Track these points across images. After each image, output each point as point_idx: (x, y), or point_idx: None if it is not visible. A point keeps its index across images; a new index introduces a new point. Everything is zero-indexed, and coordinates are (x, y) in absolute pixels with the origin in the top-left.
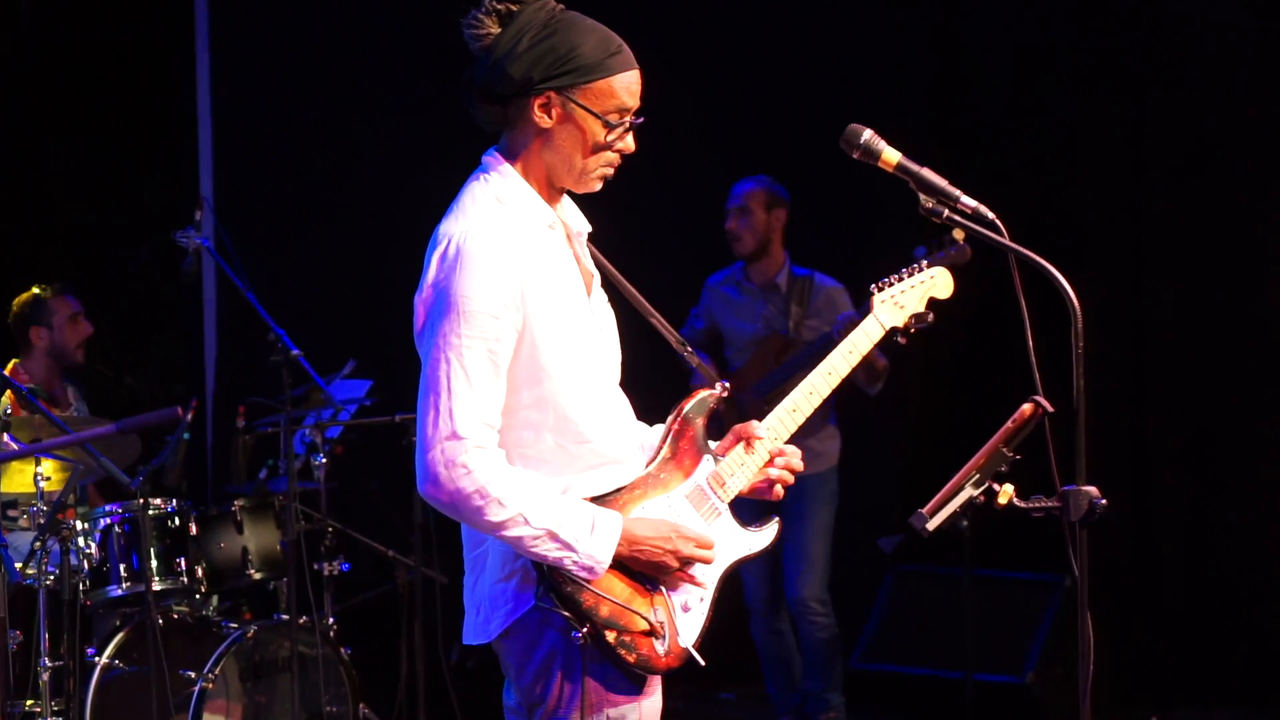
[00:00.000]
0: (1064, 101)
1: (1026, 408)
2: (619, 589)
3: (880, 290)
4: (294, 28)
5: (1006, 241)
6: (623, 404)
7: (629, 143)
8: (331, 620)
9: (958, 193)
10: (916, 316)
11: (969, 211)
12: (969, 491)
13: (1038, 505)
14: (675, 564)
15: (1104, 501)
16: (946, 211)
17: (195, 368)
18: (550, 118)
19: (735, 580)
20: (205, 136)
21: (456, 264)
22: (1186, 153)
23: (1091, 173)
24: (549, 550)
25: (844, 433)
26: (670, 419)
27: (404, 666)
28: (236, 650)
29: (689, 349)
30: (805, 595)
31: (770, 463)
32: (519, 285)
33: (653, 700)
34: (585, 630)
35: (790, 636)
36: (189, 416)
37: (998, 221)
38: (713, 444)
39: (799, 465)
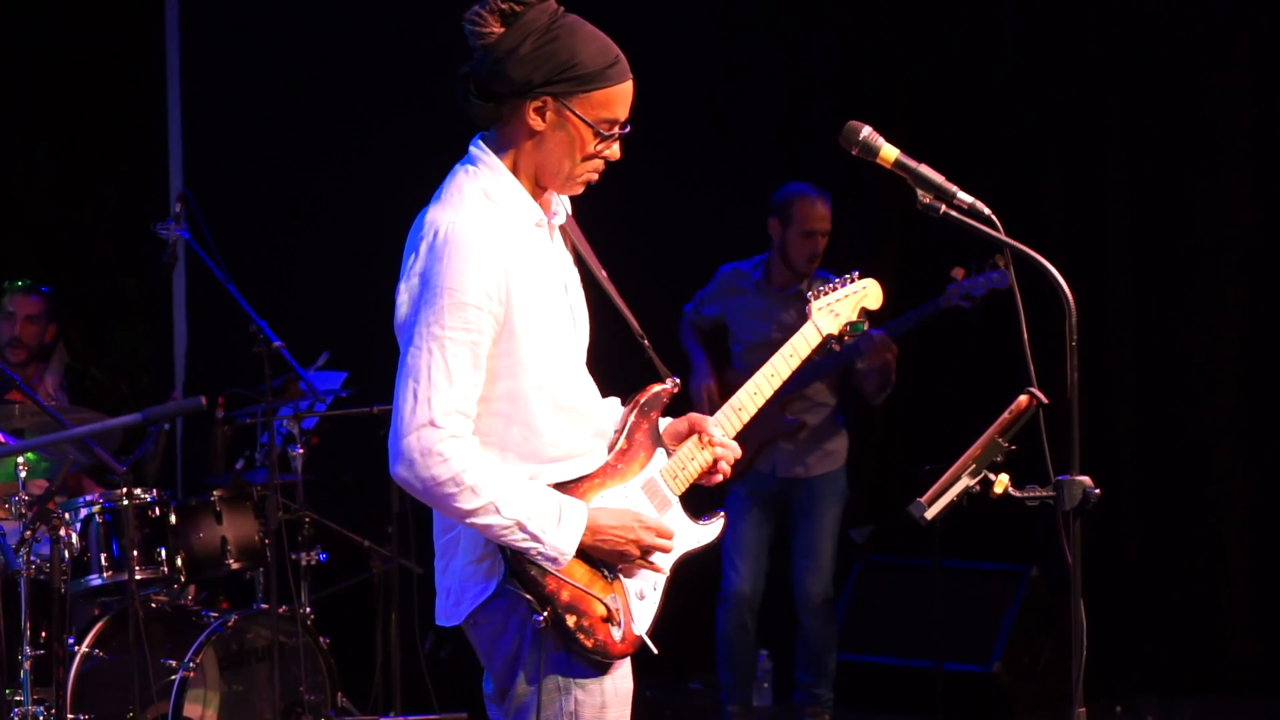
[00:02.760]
0: (1029, 96)
1: (1022, 399)
2: (580, 574)
3: (816, 298)
4: (264, 20)
5: (1003, 237)
6: (592, 394)
7: (615, 151)
8: (309, 610)
9: (954, 189)
10: (850, 324)
11: (965, 207)
12: (965, 481)
13: (1032, 495)
14: (636, 552)
15: (1098, 491)
16: (943, 207)
17: (163, 359)
18: (543, 121)
19: (709, 570)
20: (175, 129)
21: (444, 254)
22: (1150, 148)
23: (1056, 168)
24: (517, 539)
25: None
26: (626, 411)
27: (380, 655)
28: (216, 639)
29: (646, 340)
30: (813, 591)
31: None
32: (504, 279)
33: (616, 680)
34: (546, 614)
35: (754, 630)
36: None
37: (994, 217)
38: (664, 422)
39: (731, 457)
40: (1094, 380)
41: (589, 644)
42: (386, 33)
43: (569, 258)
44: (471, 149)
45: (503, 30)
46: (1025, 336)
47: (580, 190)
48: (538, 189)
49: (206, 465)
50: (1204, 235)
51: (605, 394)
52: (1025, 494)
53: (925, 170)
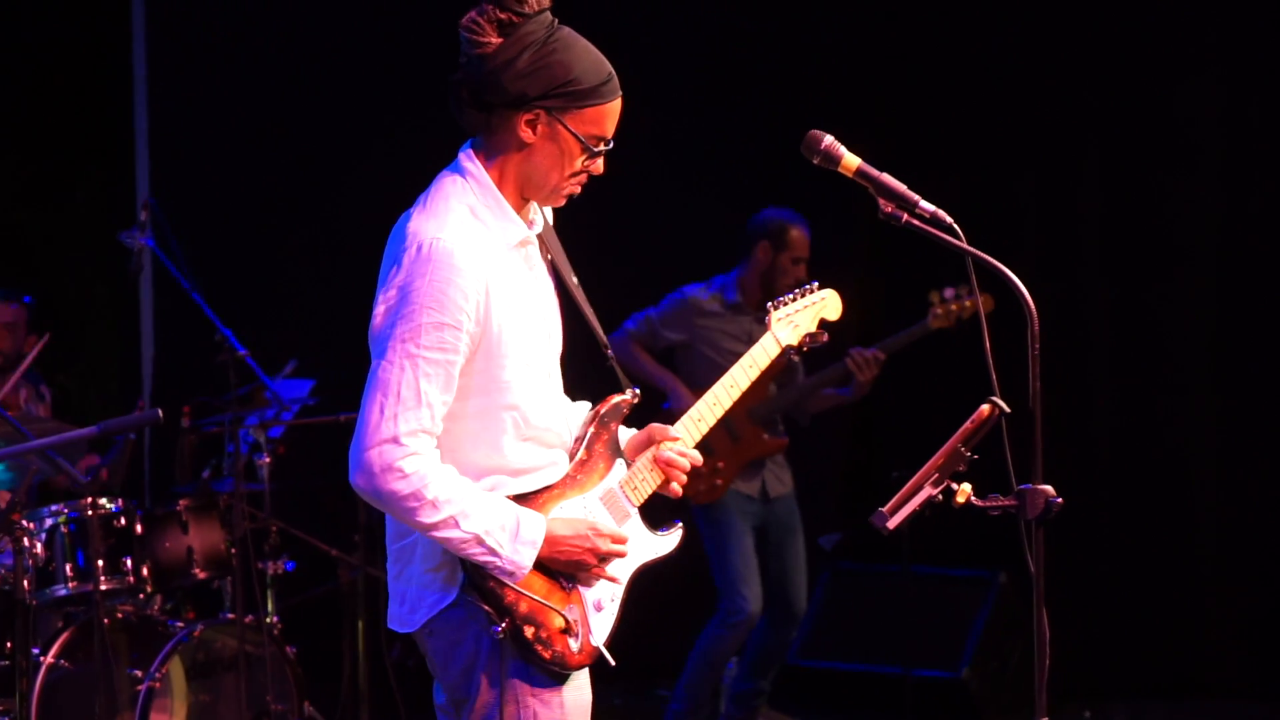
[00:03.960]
0: (1001, 103)
1: (984, 408)
2: (538, 586)
3: (775, 309)
4: (231, 29)
5: (964, 245)
6: (560, 411)
7: (600, 166)
8: (276, 619)
9: (916, 197)
10: (810, 335)
11: (927, 216)
12: (928, 490)
13: (995, 504)
14: (594, 561)
15: (1060, 500)
16: (905, 216)
17: (131, 368)
18: (534, 134)
19: (676, 578)
20: (142, 136)
21: (425, 270)
22: (1123, 155)
23: (1029, 175)
24: (475, 552)
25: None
26: (585, 422)
27: (347, 664)
28: (182, 649)
29: (610, 350)
30: (803, 605)
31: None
32: (483, 300)
33: (575, 691)
34: (505, 625)
35: None
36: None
37: (955, 225)
38: (624, 432)
39: (687, 466)
40: (1068, 386)
41: (547, 655)
42: (354, 40)
43: (545, 273)
44: (461, 158)
45: (500, 41)
46: (987, 345)
47: (562, 203)
48: (521, 200)
49: (173, 474)
50: (1177, 240)
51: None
52: (988, 503)
53: (887, 179)
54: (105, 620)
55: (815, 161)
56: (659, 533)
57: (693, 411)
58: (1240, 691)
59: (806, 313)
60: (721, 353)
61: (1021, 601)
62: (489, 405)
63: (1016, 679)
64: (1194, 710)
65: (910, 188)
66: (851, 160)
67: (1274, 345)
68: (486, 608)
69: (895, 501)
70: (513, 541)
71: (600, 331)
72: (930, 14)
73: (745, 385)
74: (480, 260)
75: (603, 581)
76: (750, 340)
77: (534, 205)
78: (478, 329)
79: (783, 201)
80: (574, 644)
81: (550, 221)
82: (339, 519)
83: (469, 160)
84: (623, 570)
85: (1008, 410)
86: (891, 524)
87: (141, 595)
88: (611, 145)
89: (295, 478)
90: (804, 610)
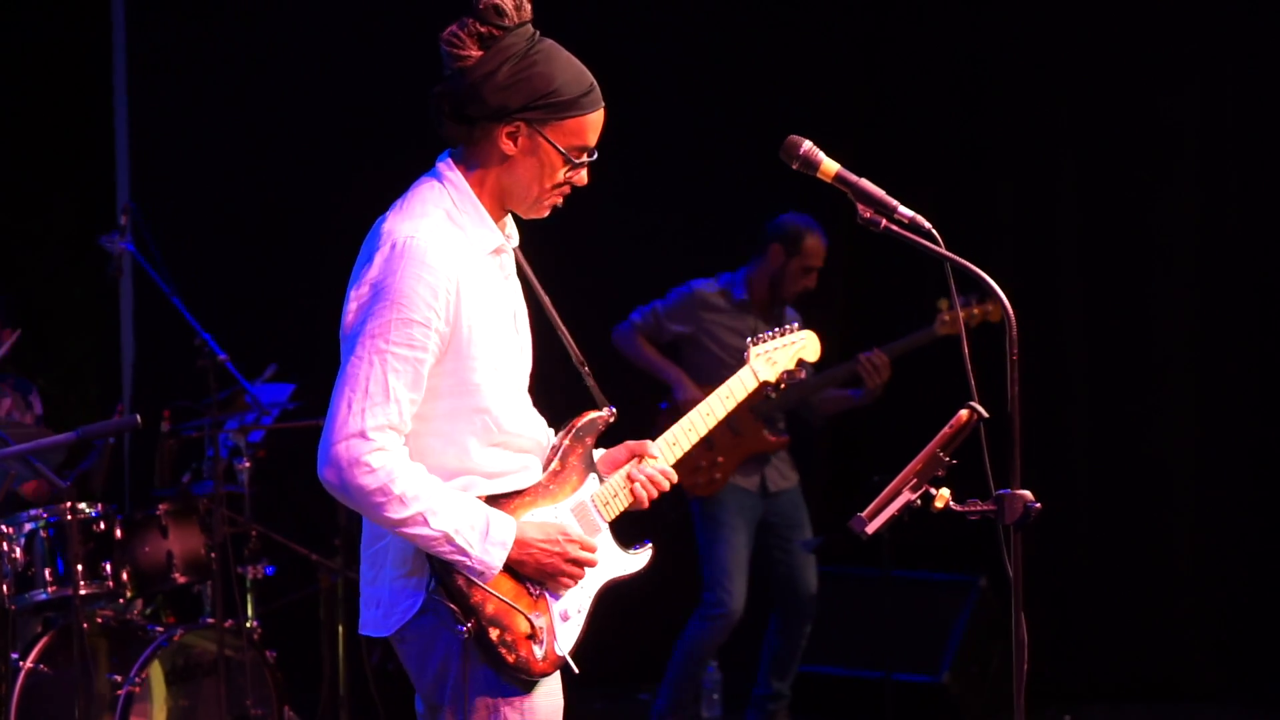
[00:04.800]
0: (983, 107)
1: (963, 413)
2: (506, 589)
3: (755, 344)
4: (211, 33)
5: (943, 251)
6: (532, 422)
7: (583, 177)
8: (255, 624)
9: (895, 203)
10: (788, 373)
11: (906, 221)
12: (906, 495)
13: (973, 509)
14: (563, 565)
15: (1038, 505)
16: (884, 222)
17: (111, 372)
18: (515, 146)
19: (657, 582)
20: (122, 140)
21: (398, 267)
22: (1101, 160)
23: (1008, 181)
24: (444, 550)
25: None
26: (561, 435)
27: (327, 669)
28: (162, 654)
29: (586, 368)
30: (814, 596)
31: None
32: (454, 300)
33: (544, 699)
34: (470, 626)
35: None
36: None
37: (934, 231)
38: (598, 452)
39: (665, 485)
40: (1047, 391)
41: (510, 659)
42: (333, 46)
43: (519, 285)
44: (439, 165)
45: (480, 54)
46: (966, 350)
47: (545, 214)
48: (500, 210)
49: (153, 479)
50: (1154, 246)
51: (545, 419)
52: (966, 508)
53: (865, 185)
54: (85, 625)
55: (794, 166)
56: (629, 551)
57: (668, 435)
58: (1217, 694)
59: (785, 351)
60: (725, 348)
61: (1002, 606)
62: (459, 407)
63: (997, 683)
64: (1172, 713)
65: (890, 194)
66: (830, 165)
67: (1251, 350)
68: (452, 606)
69: (874, 506)
70: (483, 541)
71: (576, 349)
72: (910, 22)
73: (721, 415)
74: (453, 260)
75: (570, 592)
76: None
77: (510, 221)
78: (448, 328)
79: (770, 206)
80: (538, 650)
81: (518, 239)
82: (319, 523)
83: (448, 168)
84: (590, 582)
85: (986, 415)
86: (870, 529)
87: (121, 600)
88: (595, 156)
89: (275, 482)
90: (813, 600)
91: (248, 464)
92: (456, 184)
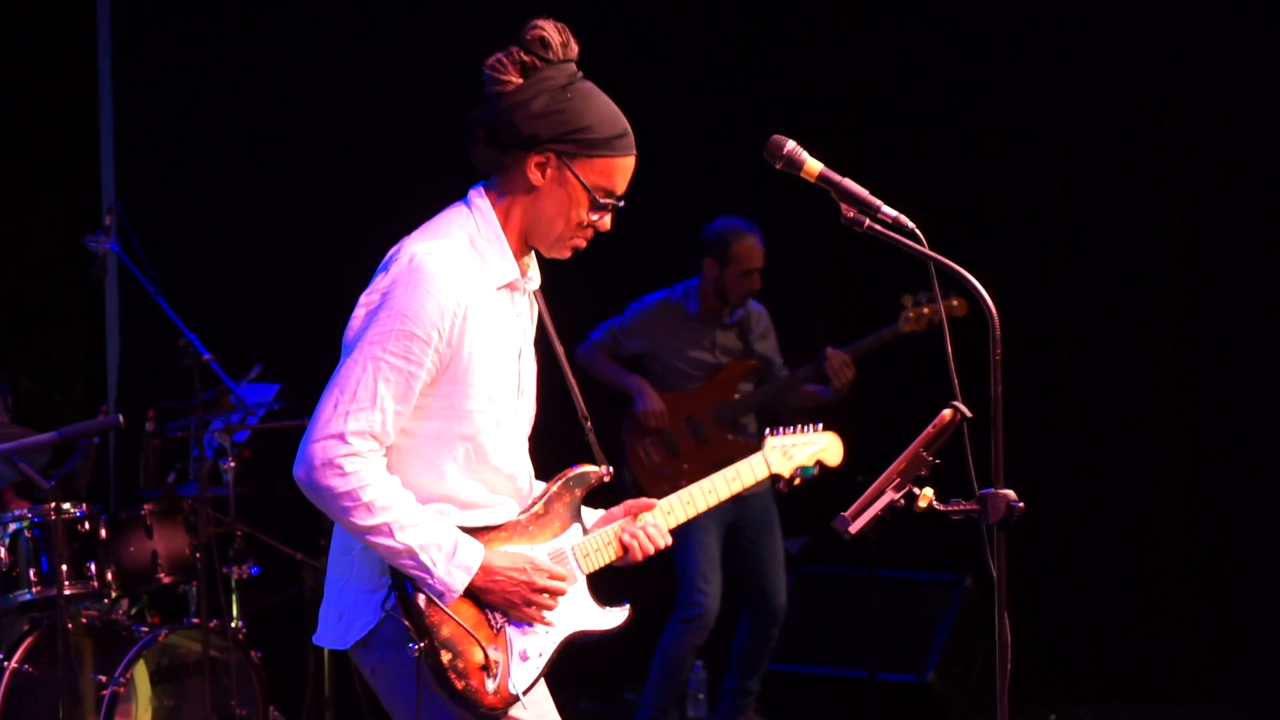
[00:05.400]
0: (970, 108)
1: (946, 413)
2: (467, 615)
3: (773, 435)
4: (197, 31)
5: (926, 250)
6: (519, 463)
7: (606, 222)
8: (241, 623)
9: (878, 203)
10: (801, 468)
11: (889, 221)
12: (890, 495)
13: (956, 509)
14: (528, 594)
15: (1021, 505)
16: (868, 221)
17: (96, 372)
18: (543, 177)
19: (643, 584)
20: (107, 140)
21: (409, 280)
22: (1088, 161)
23: (995, 180)
24: (407, 565)
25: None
26: (551, 481)
27: (312, 669)
28: (147, 654)
29: (590, 423)
30: (783, 599)
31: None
32: (459, 323)
33: None
34: (422, 645)
35: None
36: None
37: (917, 231)
38: (591, 515)
39: (661, 544)
40: (1035, 391)
41: (459, 685)
42: (319, 45)
43: (531, 327)
44: (470, 193)
45: (520, 81)
46: (949, 350)
47: (567, 255)
48: (524, 247)
49: (138, 479)
50: (1142, 247)
51: (541, 469)
52: (949, 508)
53: (849, 184)
54: (69, 625)
55: (778, 166)
56: (605, 608)
57: (664, 504)
58: (1204, 694)
59: (804, 449)
60: (685, 360)
61: (987, 605)
62: (447, 432)
63: (982, 683)
64: (1157, 713)
65: (878, 196)
66: (814, 165)
67: (1238, 350)
68: (407, 623)
69: (857, 506)
70: (448, 562)
71: (582, 403)
72: (896, 23)
73: (725, 495)
74: (465, 284)
75: (533, 632)
76: (714, 348)
77: (534, 264)
78: (448, 350)
79: (753, 207)
80: (490, 684)
81: (540, 283)
82: (304, 523)
83: (478, 195)
84: (557, 629)
85: (969, 415)
86: (853, 528)
87: (106, 600)
88: (622, 204)
89: (260, 482)
90: (784, 606)
91: (233, 464)
92: (484, 211)
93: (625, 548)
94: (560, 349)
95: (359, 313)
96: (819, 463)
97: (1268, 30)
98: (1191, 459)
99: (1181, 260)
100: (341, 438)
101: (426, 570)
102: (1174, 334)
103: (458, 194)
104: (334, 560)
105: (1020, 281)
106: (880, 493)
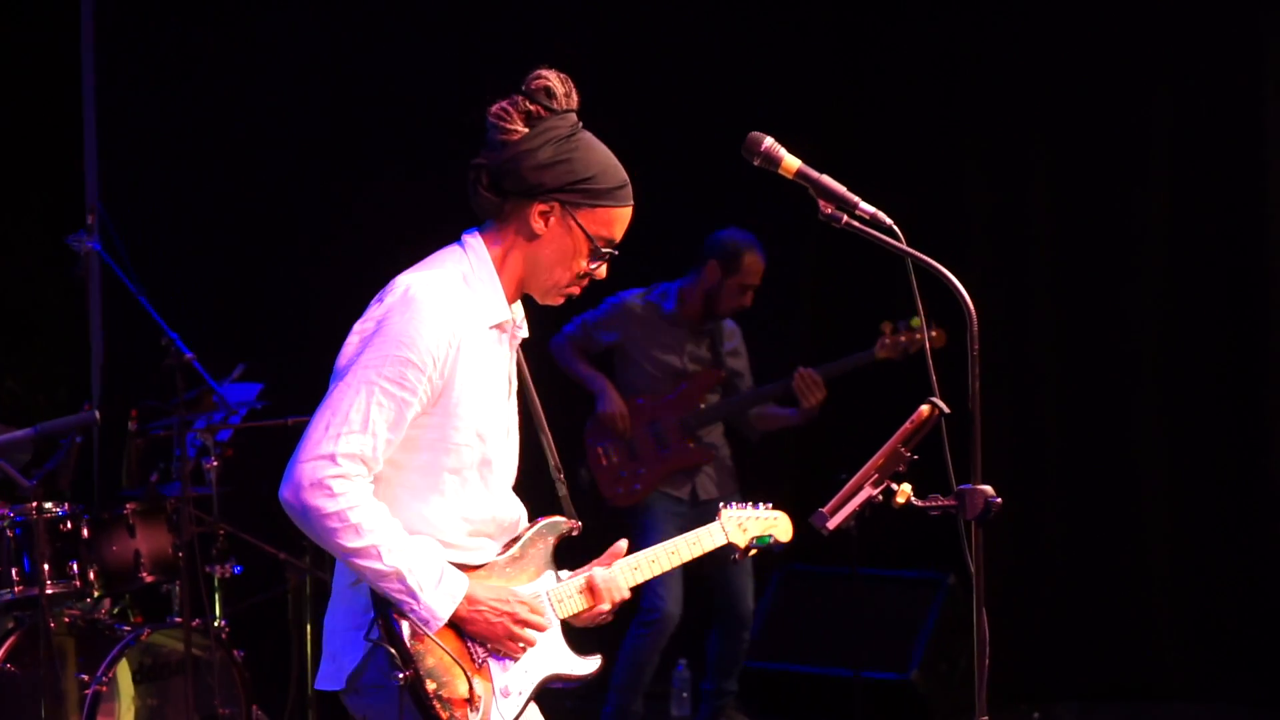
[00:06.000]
0: (954, 108)
1: (924, 409)
2: (451, 646)
3: (727, 508)
4: (180, 32)
5: (904, 247)
6: (506, 504)
7: (603, 271)
8: (223, 623)
9: (856, 199)
10: (756, 539)
11: (867, 217)
12: (868, 491)
13: (934, 504)
14: (511, 626)
15: (999, 500)
16: (845, 218)
17: (79, 371)
18: (545, 226)
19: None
20: (90, 140)
21: (404, 309)
22: (1072, 160)
23: (979, 178)
24: (393, 588)
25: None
26: (526, 526)
27: (295, 668)
28: (129, 653)
29: (563, 476)
30: (751, 606)
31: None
32: (453, 354)
33: None
34: (408, 674)
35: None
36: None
37: (895, 227)
38: (564, 574)
39: (625, 595)
40: (1019, 388)
41: (444, 716)
42: (303, 47)
43: (516, 372)
44: (465, 236)
45: (526, 130)
46: (928, 346)
47: (559, 302)
48: (516, 293)
49: (120, 478)
50: (1124, 246)
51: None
52: (927, 503)
53: (827, 181)
54: (52, 624)
55: (755, 163)
56: (579, 655)
57: (630, 560)
58: (1187, 693)
59: (758, 523)
60: (651, 360)
61: (970, 603)
62: (434, 464)
63: (965, 680)
64: (1142, 712)
65: (861, 195)
66: (791, 162)
67: (1220, 348)
68: (392, 650)
69: (835, 502)
70: (434, 588)
71: (556, 457)
72: (879, 23)
73: (686, 558)
74: (459, 317)
75: (514, 669)
76: (682, 352)
77: (521, 311)
78: (441, 380)
79: (733, 210)
80: (474, 717)
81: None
82: (287, 523)
83: (473, 238)
84: (535, 668)
85: (947, 410)
86: (831, 524)
87: (88, 599)
88: (617, 253)
89: (243, 481)
90: (750, 611)
91: (215, 463)
92: (478, 252)
93: (595, 594)
94: (538, 402)
95: (352, 340)
96: (773, 538)
97: (1252, 32)
98: (1175, 456)
99: (1165, 258)
100: (332, 459)
101: (413, 595)
102: (1158, 331)
103: (439, 196)
104: (329, 608)
105: (1004, 280)
106: (858, 488)
